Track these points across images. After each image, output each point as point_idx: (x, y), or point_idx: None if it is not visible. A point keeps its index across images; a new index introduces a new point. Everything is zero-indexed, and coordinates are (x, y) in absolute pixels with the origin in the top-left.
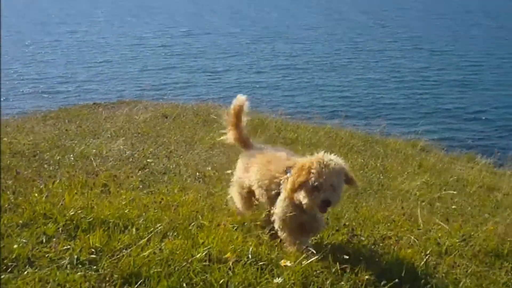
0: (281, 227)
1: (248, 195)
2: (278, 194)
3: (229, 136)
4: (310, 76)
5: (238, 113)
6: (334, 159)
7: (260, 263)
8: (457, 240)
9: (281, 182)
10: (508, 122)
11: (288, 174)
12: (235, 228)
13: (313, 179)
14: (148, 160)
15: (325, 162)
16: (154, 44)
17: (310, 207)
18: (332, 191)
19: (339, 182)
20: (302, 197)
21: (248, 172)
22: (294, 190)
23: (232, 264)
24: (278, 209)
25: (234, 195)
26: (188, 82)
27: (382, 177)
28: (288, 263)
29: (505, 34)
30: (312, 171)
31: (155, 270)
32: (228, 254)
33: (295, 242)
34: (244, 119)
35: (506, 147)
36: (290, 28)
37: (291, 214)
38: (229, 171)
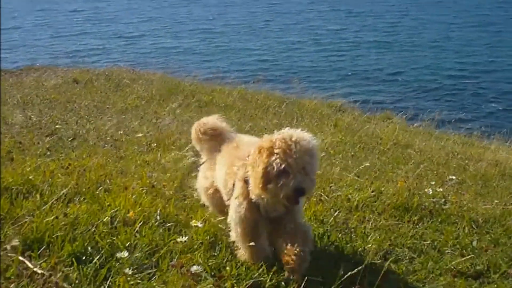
0: (235, 233)
1: (219, 198)
2: None
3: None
4: (228, 40)
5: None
6: (306, 135)
7: (168, 224)
8: (368, 196)
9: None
10: (423, 83)
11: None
12: (144, 191)
13: (277, 160)
14: (56, 126)
15: (294, 138)
16: (65, 9)
17: (275, 200)
18: (305, 175)
19: (313, 164)
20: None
21: (212, 169)
22: (260, 184)
23: (139, 226)
24: (231, 211)
25: (203, 198)
26: (103, 48)
27: None
28: (199, 224)
29: None
30: (276, 150)
31: (59, 234)
32: (131, 213)
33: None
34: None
35: (422, 107)
36: None
37: (247, 216)
38: (140, 134)
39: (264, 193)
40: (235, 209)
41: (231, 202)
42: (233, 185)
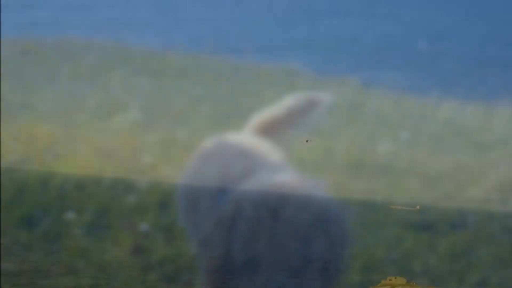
0: None
1: None
2: None
3: None
4: (182, 9)
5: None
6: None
7: (119, 186)
8: (320, 155)
9: None
10: (380, 50)
11: None
12: (94, 155)
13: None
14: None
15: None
16: None
17: None
18: None
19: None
20: None
21: None
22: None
23: (90, 189)
24: None
25: None
26: (54, 19)
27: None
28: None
29: None
30: None
31: (7, 199)
32: (81, 177)
33: None
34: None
35: (379, 72)
36: None
37: None
38: (91, 101)
39: None
40: None
41: None
42: None
